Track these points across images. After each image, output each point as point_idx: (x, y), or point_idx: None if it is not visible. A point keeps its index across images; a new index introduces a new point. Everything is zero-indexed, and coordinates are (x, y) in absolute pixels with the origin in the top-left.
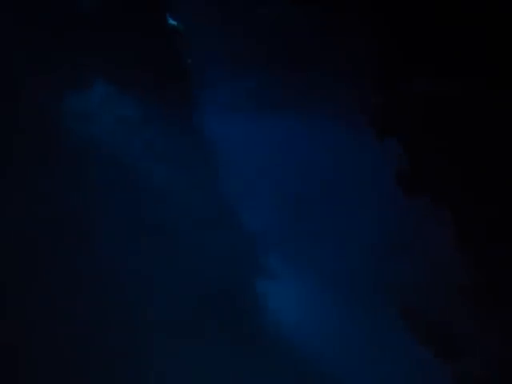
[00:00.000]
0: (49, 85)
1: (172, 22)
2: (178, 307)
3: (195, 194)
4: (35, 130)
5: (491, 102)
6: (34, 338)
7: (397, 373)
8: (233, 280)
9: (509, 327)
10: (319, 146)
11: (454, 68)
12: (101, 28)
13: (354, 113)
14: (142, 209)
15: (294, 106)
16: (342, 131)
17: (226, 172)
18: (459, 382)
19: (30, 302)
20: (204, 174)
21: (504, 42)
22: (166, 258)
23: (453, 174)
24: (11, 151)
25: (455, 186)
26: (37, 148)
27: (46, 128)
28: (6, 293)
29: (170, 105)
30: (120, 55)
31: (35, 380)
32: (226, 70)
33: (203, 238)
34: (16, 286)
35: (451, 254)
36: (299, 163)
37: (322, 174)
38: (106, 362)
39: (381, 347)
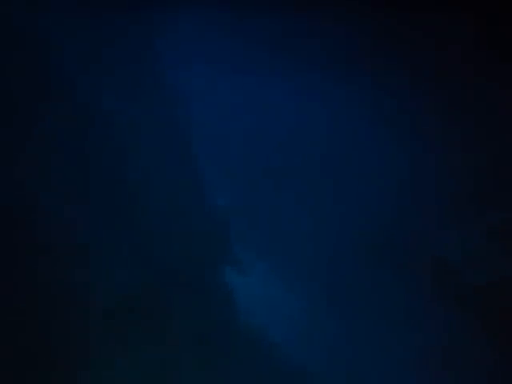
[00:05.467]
0: None
1: None
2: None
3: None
4: None
5: None
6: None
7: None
8: (198, 268)
9: None
10: (312, 110)
11: None
12: None
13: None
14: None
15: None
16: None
17: (198, 134)
18: None
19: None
20: (173, 134)
21: None
22: (123, 226)
23: None
24: None
25: None
26: None
27: None
28: None
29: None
30: None
31: None
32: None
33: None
34: None
35: None
36: (286, 130)
37: (311, 144)
38: None
39: (367, 349)
